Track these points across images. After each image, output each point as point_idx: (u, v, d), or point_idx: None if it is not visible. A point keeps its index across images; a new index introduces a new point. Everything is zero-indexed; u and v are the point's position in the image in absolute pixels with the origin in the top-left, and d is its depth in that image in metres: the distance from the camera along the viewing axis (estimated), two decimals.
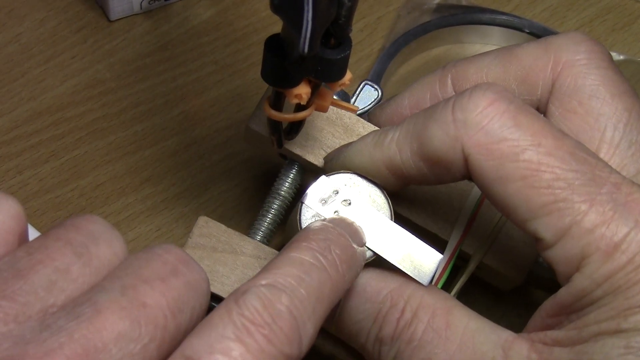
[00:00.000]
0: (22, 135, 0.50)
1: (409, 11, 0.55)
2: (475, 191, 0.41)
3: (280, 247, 0.43)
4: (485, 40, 0.55)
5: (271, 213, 0.43)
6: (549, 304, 0.34)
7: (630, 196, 0.33)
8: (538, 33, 0.54)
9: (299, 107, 0.36)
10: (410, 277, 0.36)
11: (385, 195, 0.38)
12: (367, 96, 0.46)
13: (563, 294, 0.34)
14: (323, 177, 0.38)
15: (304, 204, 0.37)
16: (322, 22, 0.33)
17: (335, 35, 0.34)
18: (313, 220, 0.37)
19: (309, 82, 0.35)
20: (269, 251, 0.41)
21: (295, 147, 0.41)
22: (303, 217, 0.37)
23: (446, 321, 0.35)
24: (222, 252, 0.40)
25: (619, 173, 0.34)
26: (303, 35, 0.31)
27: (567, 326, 0.33)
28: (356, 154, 0.38)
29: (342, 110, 0.42)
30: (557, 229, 0.33)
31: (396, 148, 0.36)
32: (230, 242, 0.40)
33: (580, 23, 0.56)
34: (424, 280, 0.36)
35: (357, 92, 0.45)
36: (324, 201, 0.37)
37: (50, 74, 0.51)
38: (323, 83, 0.36)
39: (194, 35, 0.54)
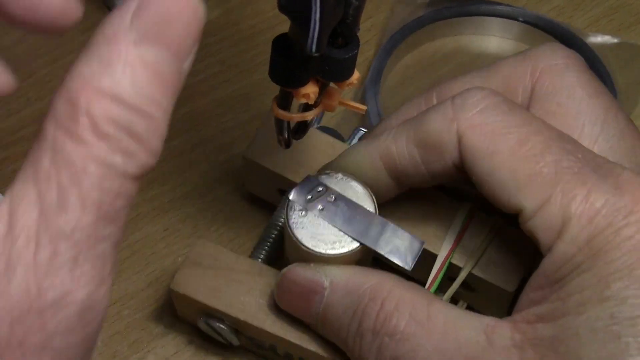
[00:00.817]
0: (29, 136, 0.50)
1: (403, 6, 0.55)
2: (463, 209, 0.42)
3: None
4: (482, 31, 0.56)
5: (269, 242, 0.44)
6: (533, 278, 0.34)
7: (612, 169, 0.34)
8: (531, 21, 0.54)
9: (307, 107, 0.36)
10: (391, 274, 0.37)
11: (369, 193, 0.39)
12: None
13: (545, 264, 0.34)
14: (309, 176, 0.39)
15: (289, 200, 0.39)
16: (330, 21, 0.33)
17: (342, 34, 0.34)
18: (301, 213, 0.38)
19: (317, 82, 0.35)
20: (263, 267, 0.42)
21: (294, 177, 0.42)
22: (290, 212, 0.39)
23: (427, 313, 0.35)
24: (218, 269, 0.41)
25: (601, 156, 0.35)
26: (310, 35, 0.31)
27: (550, 298, 0.33)
28: (350, 150, 0.40)
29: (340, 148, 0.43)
30: (540, 198, 0.34)
31: (392, 138, 0.38)
32: (226, 261, 0.41)
33: (587, 22, 0.56)
34: (408, 264, 0.38)
35: (351, 137, 0.46)
36: (310, 197, 0.39)
37: (57, 75, 0.51)
38: (331, 82, 0.36)
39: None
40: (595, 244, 0.33)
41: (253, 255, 0.44)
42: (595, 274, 0.32)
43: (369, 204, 0.39)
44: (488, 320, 0.35)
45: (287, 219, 0.39)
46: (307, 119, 0.36)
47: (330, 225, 0.38)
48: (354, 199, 0.39)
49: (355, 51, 0.35)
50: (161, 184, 0.49)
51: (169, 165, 0.50)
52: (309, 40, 0.32)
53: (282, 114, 0.36)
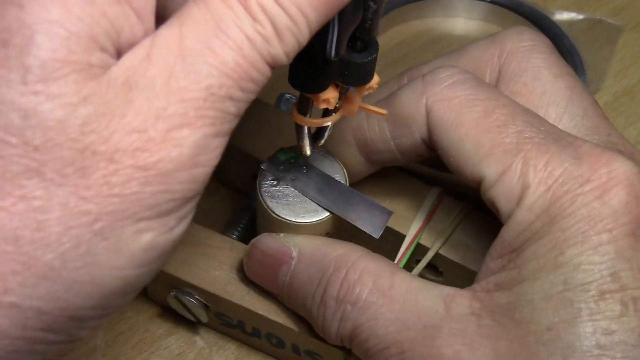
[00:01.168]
0: None
1: None
2: (433, 193, 0.42)
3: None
4: (448, 13, 0.56)
5: (242, 222, 0.45)
6: (493, 247, 0.35)
7: (573, 141, 0.35)
8: (497, 0, 0.55)
9: (326, 112, 0.36)
10: (359, 246, 0.38)
11: (341, 165, 0.40)
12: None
13: (504, 232, 0.34)
14: (283, 148, 0.40)
15: (262, 169, 0.39)
16: (348, 26, 0.32)
17: (361, 38, 0.34)
18: (272, 182, 0.39)
19: (337, 87, 0.35)
20: (235, 242, 0.42)
21: None
22: (262, 181, 0.39)
23: (390, 282, 0.36)
24: (190, 245, 0.41)
25: (564, 131, 0.36)
26: (329, 39, 0.31)
27: (508, 266, 0.34)
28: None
29: None
30: (501, 167, 0.34)
31: (365, 115, 0.39)
32: (199, 236, 0.42)
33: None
34: (376, 232, 0.39)
35: (278, 102, 0.47)
36: (282, 167, 0.40)
37: None
38: (350, 87, 0.36)
39: None
40: (552, 211, 0.33)
41: (225, 233, 0.45)
42: (551, 241, 0.33)
43: (340, 176, 0.40)
44: (448, 290, 0.35)
45: (259, 187, 0.39)
46: (327, 124, 0.36)
47: (301, 195, 0.39)
48: (326, 171, 0.40)
49: (375, 55, 0.34)
50: None
51: None
52: (328, 45, 0.32)
53: (302, 119, 0.36)
